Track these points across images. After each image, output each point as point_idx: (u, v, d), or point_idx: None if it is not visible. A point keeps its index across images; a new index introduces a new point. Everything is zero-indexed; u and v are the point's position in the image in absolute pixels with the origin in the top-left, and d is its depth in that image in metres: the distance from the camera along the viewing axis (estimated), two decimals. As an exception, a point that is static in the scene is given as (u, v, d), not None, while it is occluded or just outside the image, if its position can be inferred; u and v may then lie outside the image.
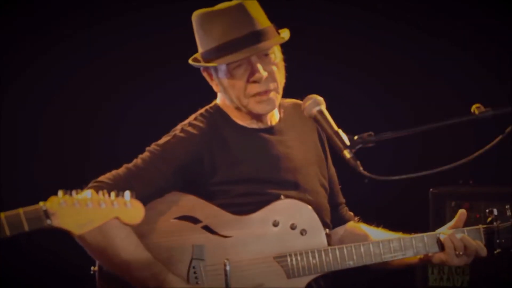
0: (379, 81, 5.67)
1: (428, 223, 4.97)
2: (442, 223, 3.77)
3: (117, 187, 3.27)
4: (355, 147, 3.30)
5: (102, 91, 5.48)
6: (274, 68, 3.54)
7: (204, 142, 3.51)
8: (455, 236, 3.59)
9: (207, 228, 3.43)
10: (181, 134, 3.52)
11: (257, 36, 3.48)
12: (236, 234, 3.44)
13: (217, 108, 3.62)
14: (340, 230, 3.80)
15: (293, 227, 3.50)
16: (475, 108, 3.38)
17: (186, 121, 3.59)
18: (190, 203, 3.45)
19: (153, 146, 3.50)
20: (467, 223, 3.72)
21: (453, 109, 4.94)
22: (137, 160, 3.47)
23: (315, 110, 3.46)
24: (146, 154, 3.48)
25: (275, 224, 3.48)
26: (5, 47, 5.32)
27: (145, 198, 3.28)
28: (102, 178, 3.41)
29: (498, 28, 5.48)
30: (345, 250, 3.51)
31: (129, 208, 2.80)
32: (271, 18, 3.59)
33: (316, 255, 3.48)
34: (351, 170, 3.28)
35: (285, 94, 3.90)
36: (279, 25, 3.59)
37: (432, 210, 5.04)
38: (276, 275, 3.44)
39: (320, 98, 3.50)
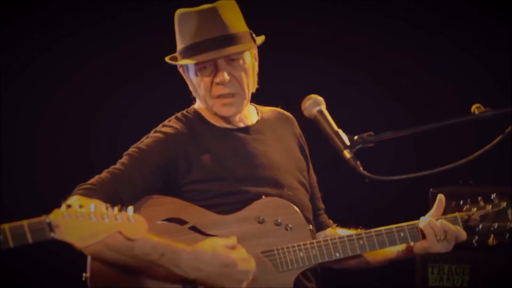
0: (379, 81, 5.67)
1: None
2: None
3: (103, 191, 3.37)
4: (355, 147, 3.30)
5: (101, 91, 5.48)
6: (242, 73, 3.58)
7: (179, 141, 3.56)
8: (434, 222, 3.64)
9: (194, 229, 3.46)
10: (157, 135, 3.57)
11: (225, 40, 3.53)
12: (223, 233, 3.45)
13: (194, 111, 3.69)
14: (320, 235, 3.85)
15: (277, 223, 3.54)
16: (475, 108, 3.39)
17: (160, 124, 3.65)
18: (175, 205, 3.48)
19: (131, 149, 3.55)
20: (468, 222, 3.73)
21: (453, 109, 4.94)
22: (117, 165, 3.50)
23: (315, 110, 3.47)
24: (125, 158, 3.52)
25: (260, 222, 3.52)
26: (5, 47, 5.32)
27: (130, 199, 3.38)
28: (87, 183, 3.43)
29: (498, 28, 5.48)
30: (330, 242, 3.55)
31: (132, 222, 2.82)
32: (269, 19, 3.60)
33: (303, 248, 3.52)
34: (351, 170, 3.29)
35: (285, 94, 3.91)
36: (277, 26, 3.60)
37: (432, 210, 5.03)
38: (266, 269, 3.47)
39: (320, 98, 3.51)
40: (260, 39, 3.65)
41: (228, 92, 3.57)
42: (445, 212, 3.73)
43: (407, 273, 5.05)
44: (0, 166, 5.27)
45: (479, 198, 3.76)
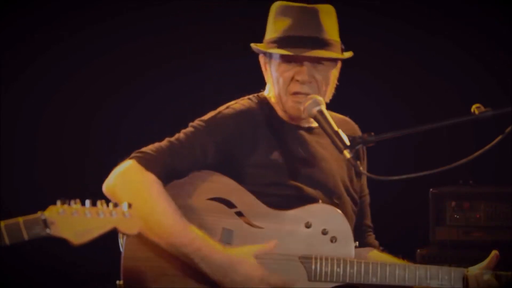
0: (379, 80, 5.67)
1: (428, 223, 4.96)
2: (442, 223, 3.76)
3: (159, 159, 3.38)
4: (355, 147, 3.30)
5: (101, 91, 5.48)
6: (324, 78, 3.57)
7: (249, 120, 3.54)
8: (482, 277, 3.53)
9: (240, 215, 3.43)
10: (227, 111, 3.55)
11: (318, 42, 3.53)
12: (268, 226, 3.43)
13: (264, 97, 3.65)
14: (363, 252, 3.75)
15: (324, 232, 3.48)
16: (475, 108, 3.38)
17: (232, 102, 3.62)
18: (228, 187, 3.45)
19: (197, 122, 3.53)
20: (467, 222, 3.72)
21: (453, 109, 4.94)
22: (180, 135, 3.48)
23: (315, 110, 3.46)
24: (189, 130, 3.50)
25: (308, 226, 3.47)
26: (5, 47, 5.32)
27: (184, 172, 3.41)
28: (145, 149, 3.43)
29: (498, 28, 5.48)
30: (370, 266, 3.47)
31: (127, 218, 2.85)
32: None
33: (342, 264, 3.45)
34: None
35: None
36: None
37: (432, 210, 5.03)
38: (298, 275, 3.43)
39: (320, 98, 3.51)
40: (348, 54, 3.67)
41: (305, 92, 3.53)
42: (445, 212, 3.72)
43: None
44: (0, 166, 5.27)
45: None
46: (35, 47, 5.39)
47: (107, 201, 2.85)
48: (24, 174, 5.41)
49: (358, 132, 3.77)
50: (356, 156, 3.60)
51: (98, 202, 2.81)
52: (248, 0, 3.82)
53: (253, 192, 3.46)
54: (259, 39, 3.64)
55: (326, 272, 3.44)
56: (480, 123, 3.40)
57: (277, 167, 3.51)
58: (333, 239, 3.48)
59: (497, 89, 5.45)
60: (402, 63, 5.67)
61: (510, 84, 5.37)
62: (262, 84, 3.67)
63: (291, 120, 3.61)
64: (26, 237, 2.72)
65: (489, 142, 3.32)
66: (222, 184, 3.46)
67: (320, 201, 3.52)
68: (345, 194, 3.63)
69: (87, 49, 5.44)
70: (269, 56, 3.60)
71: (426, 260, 4.93)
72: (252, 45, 3.62)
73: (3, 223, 2.71)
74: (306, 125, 3.64)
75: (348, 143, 3.30)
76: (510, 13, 5.39)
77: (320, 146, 3.63)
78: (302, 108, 3.52)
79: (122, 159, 3.45)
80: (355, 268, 3.46)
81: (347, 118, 3.81)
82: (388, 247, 3.77)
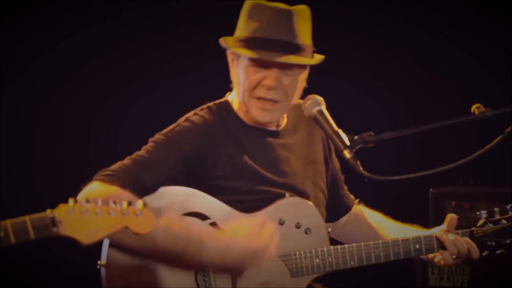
0: (379, 81, 5.67)
1: (428, 223, 4.96)
2: (442, 223, 3.77)
3: (125, 178, 3.30)
4: (355, 147, 3.30)
5: (101, 91, 5.48)
6: (292, 83, 3.48)
7: (209, 133, 3.48)
8: (459, 240, 3.63)
9: (215, 225, 3.41)
10: (186, 123, 3.50)
11: (290, 47, 3.43)
12: None
13: (226, 103, 3.58)
14: (344, 219, 3.86)
15: (298, 225, 3.50)
16: (475, 108, 3.38)
17: (192, 112, 3.56)
18: (198, 199, 3.42)
19: (156, 136, 3.47)
20: (467, 222, 3.74)
21: (453, 109, 4.94)
22: (142, 151, 3.43)
23: (315, 110, 3.46)
24: (150, 145, 3.45)
25: (281, 223, 3.49)
26: (5, 47, 5.32)
27: (150, 187, 3.33)
28: (109, 169, 3.36)
29: (498, 28, 5.48)
30: (347, 250, 3.53)
31: (139, 217, 2.74)
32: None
33: (320, 255, 3.49)
34: (351, 170, 3.28)
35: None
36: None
37: (432, 210, 5.04)
38: (281, 274, 3.44)
39: (320, 98, 3.50)
40: (319, 58, 3.56)
41: (270, 98, 3.47)
42: (445, 212, 3.74)
43: (407, 273, 5.05)
44: (0, 166, 5.27)
45: (496, 209, 3.72)
46: (35, 47, 5.39)
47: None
48: (24, 174, 5.41)
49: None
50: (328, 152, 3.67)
51: (110, 201, 2.70)
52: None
53: (225, 202, 3.43)
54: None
55: (306, 266, 3.47)
56: (480, 123, 3.40)
57: (244, 175, 3.48)
58: (307, 231, 3.51)
59: (497, 89, 5.45)
60: (402, 63, 5.67)
61: (510, 84, 5.37)
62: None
63: (255, 124, 3.55)
64: (32, 236, 2.62)
65: (489, 142, 3.32)
66: (191, 198, 3.42)
67: (287, 194, 3.51)
68: (315, 192, 3.63)
69: (87, 49, 5.44)
70: (236, 55, 3.50)
71: (426, 260, 4.93)
72: (221, 40, 3.51)
73: (8, 222, 2.61)
74: (271, 129, 3.59)
75: (348, 143, 3.30)
76: (510, 13, 5.39)
77: (286, 148, 3.60)
78: (267, 117, 3.48)
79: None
80: (332, 256, 3.50)
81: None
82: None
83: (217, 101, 3.60)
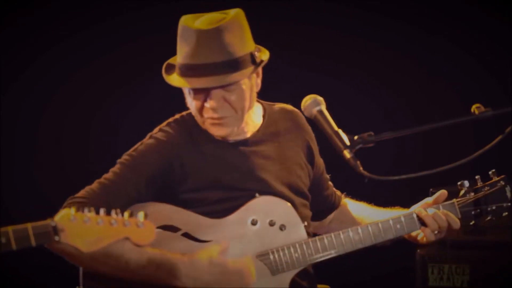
0: (379, 81, 5.67)
1: (428, 223, 4.96)
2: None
3: (94, 203, 3.21)
4: (355, 147, 3.30)
5: (101, 91, 5.48)
6: (237, 97, 3.45)
7: (175, 149, 3.48)
8: (438, 214, 3.66)
9: (187, 235, 3.41)
10: (150, 141, 3.50)
11: (224, 66, 3.39)
12: (216, 237, 3.41)
13: (191, 116, 3.57)
14: (330, 216, 3.88)
15: (271, 223, 3.50)
16: (475, 108, 3.39)
17: (157, 128, 3.56)
18: (167, 212, 3.42)
19: (123, 157, 3.48)
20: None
21: (453, 109, 4.94)
22: (109, 174, 3.44)
23: (315, 110, 3.46)
24: (117, 166, 3.46)
25: (254, 223, 3.48)
26: (5, 47, 5.32)
27: (123, 208, 3.27)
28: (77, 196, 3.37)
29: (498, 28, 5.48)
30: (325, 240, 3.52)
31: (141, 228, 2.77)
32: (270, 19, 3.57)
33: (298, 249, 3.48)
34: (351, 170, 3.28)
35: (285, 94, 3.90)
36: (277, 26, 3.55)
37: (432, 210, 5.03)
38: (261, 273, 3.44)
39: (320, 98, 3.50)
40: (262, 56, 3.48)
41: (218, 117, 3.45)
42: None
43: (407, 273, 5.05)
44: (0, 166, 5.27)
45: (477, 177, 3.75)
46: (35, 47, 5.39)
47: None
48: (24, 174, 5.41)
49: (302, 119, 3.71)
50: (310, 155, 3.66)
51: (113, 211, 2.73)
52: (248, 0, 3.80)
53: (200, 213, 3.43)
54: (259, 40, 3.63)
55: (286, 262, 3.46)
56: (480, 123, 3.40)
57: (215, 186, 3.47)
58: (282, 227, 3.50)
59: (497, 89, 5.45)
60: (402, 63, 5.66)
61: (510, 84, 5.37)
62: (262, 85, 3.66)
63: (221, 138, 3.54)
64: (33, 243, 2.64)
65: (489, 142, 3.32)
66: (160, 211, 3.41)
67: (257, 194, 3.51)
68: (293, 196, 3.61)
69: (87, 49, 5.44)
70: None
71: (426, 260, 4.93)
72: (164, 65, 3.54)
73: (10, 228, 2.62)
74: (239, 138, 3.57)
75: (348, 143, 3.31)
76: (510, 13, 5.39)
77: (258, 155, 3.58)
78: (222, 131, 3.47)
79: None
80: (311, 247, 3.49)
81: (288, 107, 3.74)
82: (388, 247, 3.77)
83: (184, 113, 3.60)
